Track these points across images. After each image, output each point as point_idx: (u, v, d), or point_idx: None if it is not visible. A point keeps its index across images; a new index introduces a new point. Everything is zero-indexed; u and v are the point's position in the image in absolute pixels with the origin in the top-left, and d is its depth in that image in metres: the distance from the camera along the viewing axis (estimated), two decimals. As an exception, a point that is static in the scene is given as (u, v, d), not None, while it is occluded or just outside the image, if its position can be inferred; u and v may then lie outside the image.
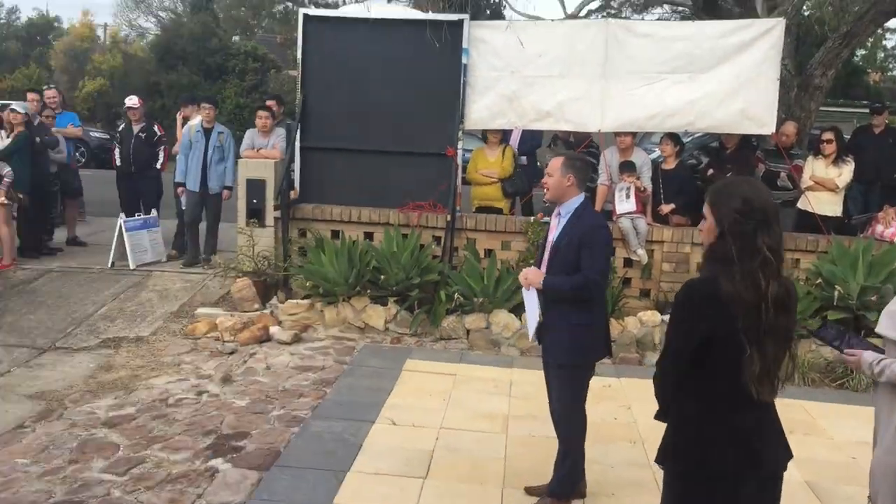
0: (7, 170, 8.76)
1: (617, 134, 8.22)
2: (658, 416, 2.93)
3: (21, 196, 8.91)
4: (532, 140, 9.52)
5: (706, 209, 2.80)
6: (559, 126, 8.42)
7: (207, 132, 9.01)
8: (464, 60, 8.08)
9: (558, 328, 4.30)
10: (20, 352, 7.05)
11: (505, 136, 9.38)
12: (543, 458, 4.76)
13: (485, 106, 8.21)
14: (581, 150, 8.75)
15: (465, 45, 8.06)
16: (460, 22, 8.10)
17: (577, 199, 4.31)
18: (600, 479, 4.79)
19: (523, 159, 9.33)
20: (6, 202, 8.79)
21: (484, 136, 8.87)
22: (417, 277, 7.50)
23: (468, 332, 7.41)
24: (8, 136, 9.01)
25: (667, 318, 7.31)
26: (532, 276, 4.35)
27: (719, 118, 7.90)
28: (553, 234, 4.38)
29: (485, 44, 8.14)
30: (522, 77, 8.11)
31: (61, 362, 6.85)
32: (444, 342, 7.42)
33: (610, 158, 8.23)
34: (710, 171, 8.37)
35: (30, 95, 10.04)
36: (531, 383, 6.16)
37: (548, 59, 8.05)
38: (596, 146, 8.83)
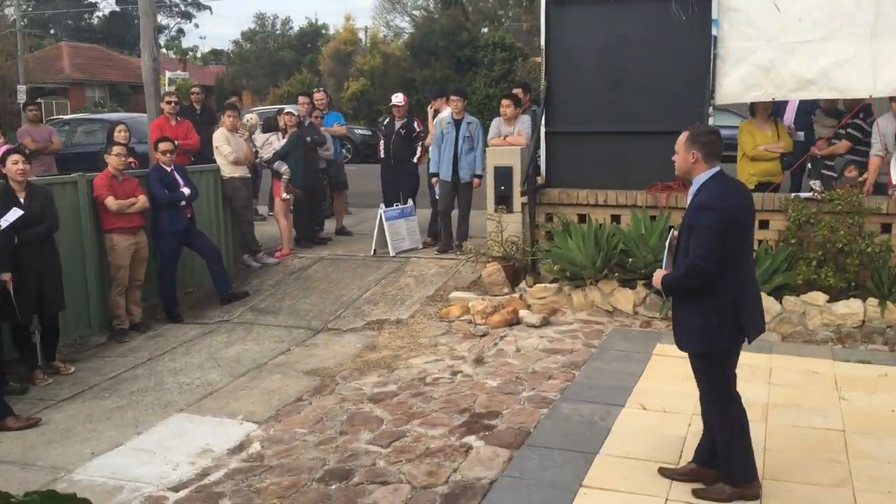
0: (285, 167, 9.69)
1: (892, 99, 7.43)
2: None
3: (297, 191, 9.81)
4: (809, 114, 8.90)
5: None
6: (823, 94, 7.78)
7: (457, 123, 9.35)
8: (713, 32, 7.71)
9: (679, 313, 4.11)
10: (298, 332, 7.81)
11: (776, 110, 8.89)
12: (807, 451, 4.47)
13: (738, 79, 7.79)
14: (850, 118, 8.04)
15: (714, 16, 7.69)
16: (709, -8, 7.74)
17: (704, 175, 3.99)
18: (875, 475, 4.42)
19: (801, 135, 8.76)
20: (287, 197, 9.74)
21: (751, 110, 8.42)
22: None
23: (723, 316, 7.09)
24: (283, 138, 9.96)
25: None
26: (654, 279, 4.18)
27: None
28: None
29: (737, 13, 7.71)
30: (780, 44, 7.59)
31: (332, 342, 7.50)
32: (697, 326, 7.15)
33: (885, 127, 7.48)
34: None
35: (300, 99, 11.01)
36: (793, 370, 5.80)
37: (809, 23, 7.47)
38: (866, 114, 8.06)
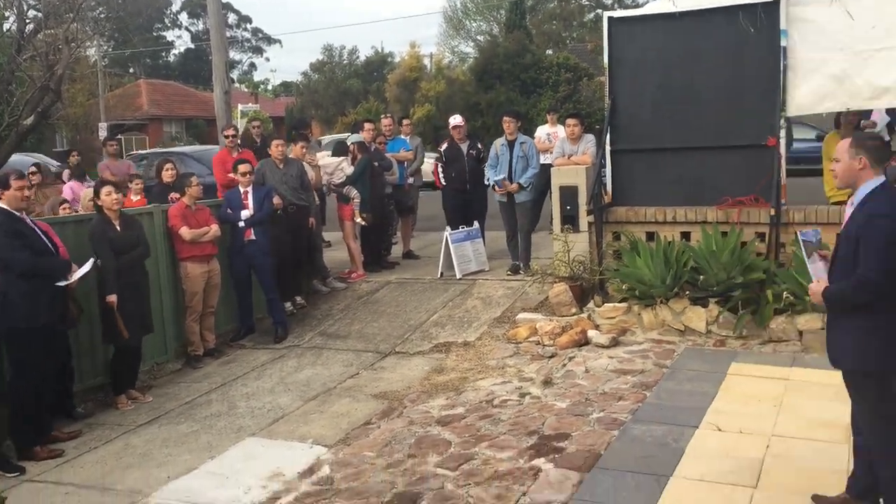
0: (355, 192, 9.83)
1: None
2: None
3: (365, 216, 9.90)
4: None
5: None
6: (901, 102, 7.50)
7: (511, 144, 9.34)
8: (782, 43, 7.53)
9: (839, 329, 3.89)
10: (366, 356, 7.85)
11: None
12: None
13: (809, 90, 7.56)
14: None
15: (782, 26, 7.50)
16: (776, 3, 7.54)
17: (871, 184, 3.78)
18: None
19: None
20: (360, 221, 9.85)
21: (837, 122, 8.26)
22: (740, 277, 7.11)
23: (801, 333, 6.86)
24: (351, 164, 10.10)
25: None
26: (813, 291, 3.96)
27: None
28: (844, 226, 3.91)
29: (806, 22, 7.50)
30: (854, 53, 7.34)
31: (400, 365, 7.51)
32: (774, 345, 6.94)
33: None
34: None
35: (366, 125, 11.11)
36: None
37: (883, 30, 7.20)
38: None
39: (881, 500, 3.98)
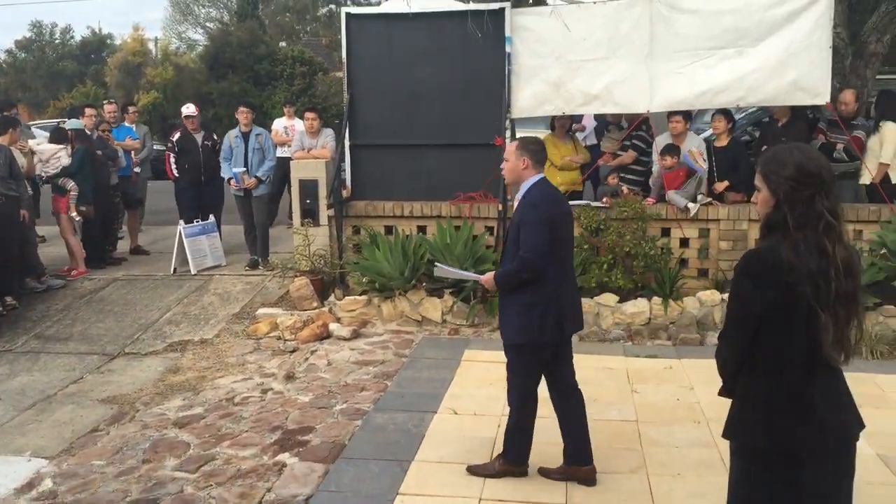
0: (72, 184, 9.04)
1: (670, 120, 8.11)
2: (721, 393, 2.88)
3: (84, 209, 9.15)
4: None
5: (758, 180, 2.75)
6: (606, 109, 8.35)
7: (245, 136, 9.17)
8: (507, 49, 8.06)
9: (504, 307, 4.42)
10: (91, 359, 7.29)
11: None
12: (605, 441, 4.75)
13: (531, 94, 8.18)
14: (631, 131, 8.67)
15: (507, 33, 8.04)
16: (501, 10, 8.07)
17: (532, 180, 4.36)
18: (665, 460, 4.77)
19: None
20: (75, 216, 9.07)
21: (552, 125, 8.89)
22: (472, 268, 7.52)
23: (525, 320, 7.40)
24: (69, 155, 9.26)
25: (727, 296, 7.21)
26: (486, 281, 4.49)
27: (770, 91, 7.72)
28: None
29: (527, 31, 8.11)
30: (568, 62, 8.05)
31: (131, 367, 7.06)
32: (502, 331, 7.42)
33: (661, 143, 8.12)
34: (765, 147, 8.21)
35: (87, 111, 10.26)
36: (590, 368, 6.13)
37: (592, 43, 7.98)
38: (647, 128, 8.74)
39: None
